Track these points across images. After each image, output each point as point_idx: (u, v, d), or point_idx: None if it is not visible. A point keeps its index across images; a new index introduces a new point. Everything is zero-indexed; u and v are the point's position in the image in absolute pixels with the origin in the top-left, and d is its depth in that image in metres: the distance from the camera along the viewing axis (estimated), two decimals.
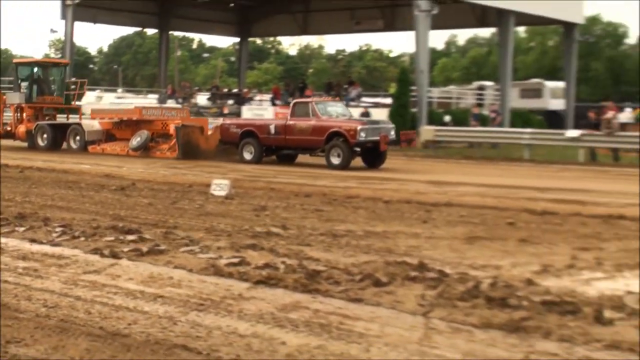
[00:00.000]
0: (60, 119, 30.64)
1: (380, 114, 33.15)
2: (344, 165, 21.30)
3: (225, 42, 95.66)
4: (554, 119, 41.42)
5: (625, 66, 73.01)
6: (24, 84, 29.55)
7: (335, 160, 21.50)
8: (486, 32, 79.88)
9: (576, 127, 32.51)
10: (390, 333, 5.76)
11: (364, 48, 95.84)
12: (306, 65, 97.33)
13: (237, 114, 37.12)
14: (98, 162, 22.08)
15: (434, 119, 33.50)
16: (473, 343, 5.54)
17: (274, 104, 41.01)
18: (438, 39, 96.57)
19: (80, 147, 26.88)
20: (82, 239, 9.44)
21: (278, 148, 23.40)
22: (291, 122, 22.64)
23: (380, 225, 10.94)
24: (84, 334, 5.76)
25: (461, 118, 35.12)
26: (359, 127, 21.38)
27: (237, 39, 54.39)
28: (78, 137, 27.18)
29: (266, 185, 16.31)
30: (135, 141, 25.62)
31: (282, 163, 23.14)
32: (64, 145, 27.61)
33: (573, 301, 6.54)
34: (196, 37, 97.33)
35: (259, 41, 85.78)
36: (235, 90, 48.54)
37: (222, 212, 12.04)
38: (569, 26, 41.41)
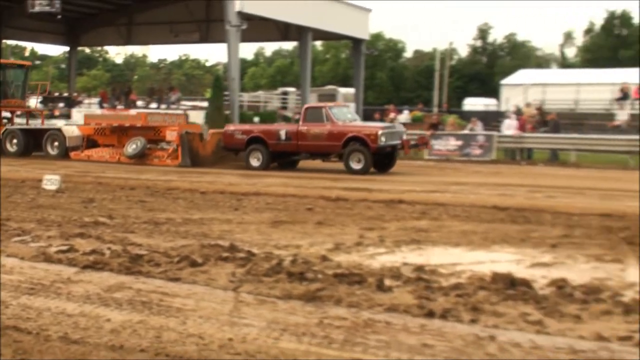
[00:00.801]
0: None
1: (198, 116, 32.90)
2: (365, 170, 18.63)
3: (56, 50, 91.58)
4: None
5: (404, 76, 76.04)
6: None
7: (356, 166, 18.70)
8: (289, 46, 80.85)
9: None
10: (205, 307, 5.73)
11: (184, 57, 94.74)
12: (131, 72, 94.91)
13: (67, 116, 35.57)
14: None
15: (245, 120, 33.55)
16: (276, 312, 5.60)
17: (101, 107, 39.86)
18: (248, 50, 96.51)
19: (60, 154, 23.00)
20: None
21: (288, 154, 20.18)
22: (304, 128, 19.56)
23: (197, 213, 10.86)
24: None
25: (268, 119, 35.38)
26: (379, 132, 18.75)
27: (67, 48, 52.22)
28: (57, 143, 23.23)
29: (95, 179, 15.82)
30: (131, 148, 21.74)
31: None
32: (38, 151, 23.65)
33: (360, 273, 6.75)
34: (28, 45, 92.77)
35: (87, 50, 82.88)
36: (65, 94, 46.70)
37: (53, 205, 11.57)
38: (357, 41, 42.43)
